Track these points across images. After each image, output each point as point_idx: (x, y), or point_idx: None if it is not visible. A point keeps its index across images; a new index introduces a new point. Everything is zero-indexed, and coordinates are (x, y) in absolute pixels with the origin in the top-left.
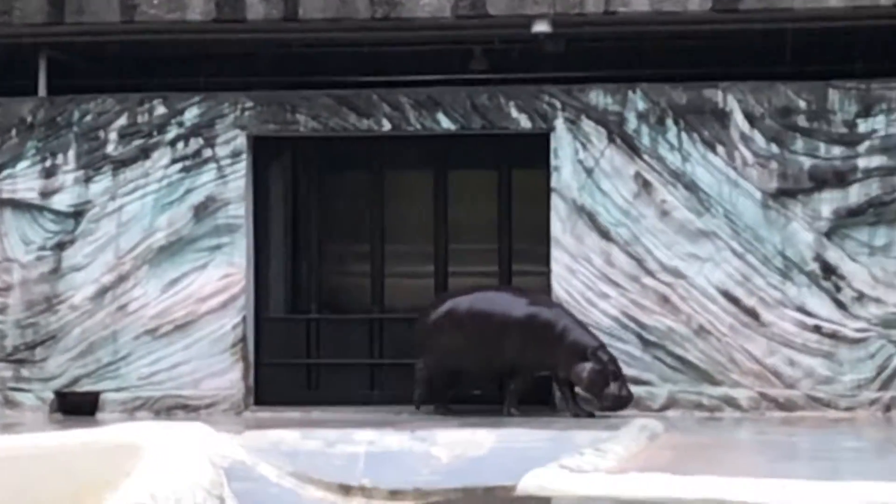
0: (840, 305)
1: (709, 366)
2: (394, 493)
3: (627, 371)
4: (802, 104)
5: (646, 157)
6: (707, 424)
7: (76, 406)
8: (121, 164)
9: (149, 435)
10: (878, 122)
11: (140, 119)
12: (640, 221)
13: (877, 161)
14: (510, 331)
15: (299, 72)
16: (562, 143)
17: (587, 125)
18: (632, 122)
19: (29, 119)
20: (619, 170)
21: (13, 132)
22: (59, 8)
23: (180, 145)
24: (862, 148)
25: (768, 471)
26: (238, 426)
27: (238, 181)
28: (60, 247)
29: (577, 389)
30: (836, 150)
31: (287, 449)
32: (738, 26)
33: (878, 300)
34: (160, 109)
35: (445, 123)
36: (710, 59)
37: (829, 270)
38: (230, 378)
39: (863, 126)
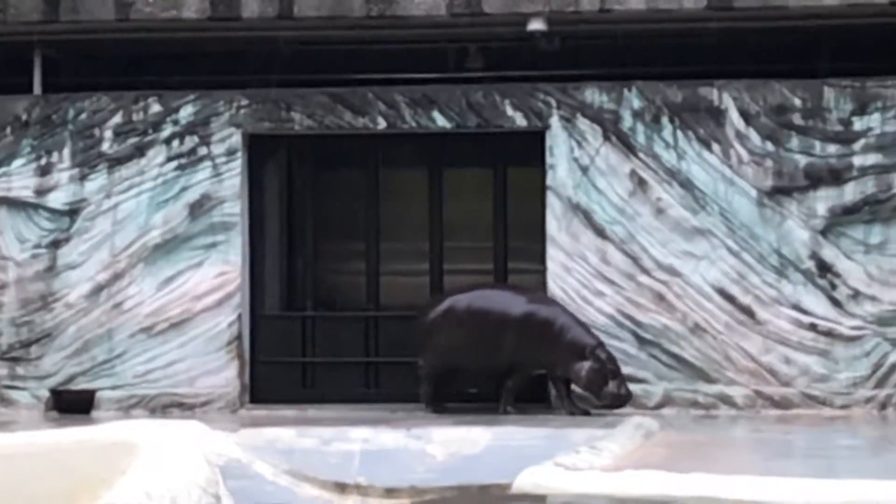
0: (835, 303)
1: (704, 364)
2: (389, 492)
3: (623, 369)
4: (798, 102)
5: (641, 155)
6: (702, 422)
7: (71, 404)
8: (116, 161)
9: (144, 433)
10: (873, 120)
11: (135, 117)
12: (636, 219)
13: (872, 159)
14: (509, 328)
15: (294, 70)
16: (557, 141)
17: (582, 123)
18: (627, 120)
19: (24, 117)
20: (615, 168)
21: (8, 130)
22: (54, 6)
23: (175, 143)
24: (857, 146)
25: (763, 469)
26: (233, 424)
27: (233, 179)
28: (56, 245)
29: (576, 388)
30: (832, 148)
31: (282, 447)
32: (733, 24)
33: (873, 298)
34: (155, 107)
35: (441, 121)
36: (706, 56)
37: (824, 268)
38: (225, 376)
39: (858, 124)
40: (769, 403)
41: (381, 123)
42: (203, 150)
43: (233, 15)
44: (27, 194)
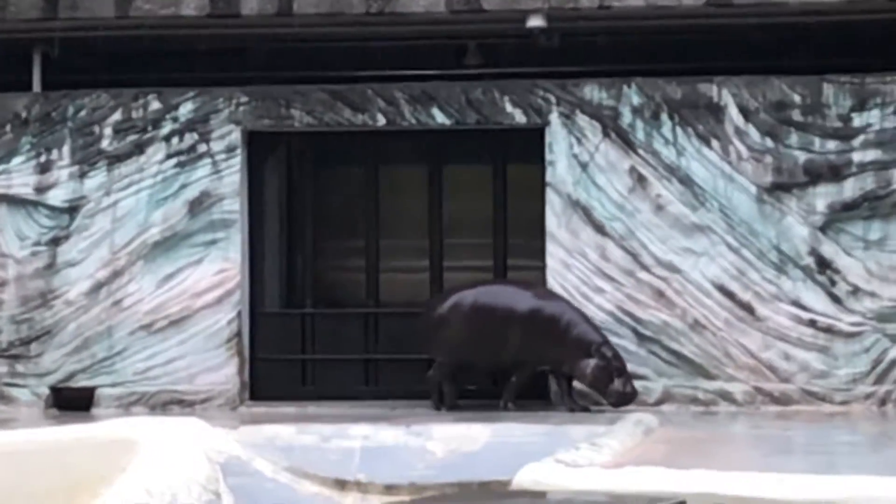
0: (835, 299)
1: (704, 360)
2: (389, 488)
3: None
4: (797, 98)
5: (640, 151)
6: (702, 419)
7: (71, 401)
8: (115, 159)
9: (144, 430)
10: (872, 117)
11: (134, 114)
12: (635, 216)
13: (871, 155)
14: (514, 325)
15: (294, 67)
16: (556, 137)
17: (582, 120)
18: (626, 117)
19: (23, 114)
20: (614, 164)
21: (7, 127)
22: (54, 3)
23: (175, 140)
24: (857, 142)
25: (763, 465)
26: (233, 421)
27: (233, 176)
28: (55, 242)
29: (581, 385)
30: (831, 145)
31: (282, 444)
32: (732, 20)
33: (872, 294)
34: (155, 104)
35: (440, 118)
36: (705, 53)
37: (823, 265)
38: (225, 373)
39: (857, 120)
40: (769, 400)
41: (381, 120)
42: (203, 148)
43: (232, 12)
44: (27, 192)
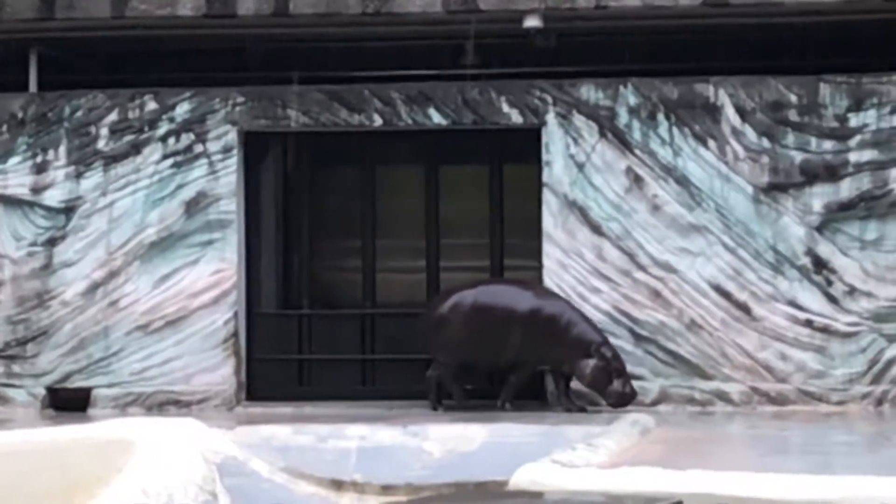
0: (831, 299)
1: (700, 360)
2: (386, 488)
3: None
4: (794, 98)
5: (637, 151)
6: (699, 419)
7: (68, 402)
8: (112, 159)
9: (141, 431)
10: (869, 117)
11: (131, 114)
12: (632, 216)
13: (868, 155)
14: (514, 324)
15: (290, 67)
16: (553, 137)
17: (578, 120)
18: (623, 117)
19: (20, 115)
20: (611, 164)
21: (4, 128)
22: (50, 4)
23: (171, 141)
24: (853, 142)
25: (760, 465)
26: (230, 422)
27: (229, 176)
28: (51, 243)
29: (580, 385)
30: (828, 145)
31: (279, 444)
32: (729, 21)
33: (869, 294)
34: (151, 105)
35: (437, 118)
36: (702, 53)
37: (820, 265)
38: (222, 373)
39: (854, 120)
40: (765, 400)
41: (378, 120)
42: (199, 148)
43: (228, 12)
44: (23, 192)
